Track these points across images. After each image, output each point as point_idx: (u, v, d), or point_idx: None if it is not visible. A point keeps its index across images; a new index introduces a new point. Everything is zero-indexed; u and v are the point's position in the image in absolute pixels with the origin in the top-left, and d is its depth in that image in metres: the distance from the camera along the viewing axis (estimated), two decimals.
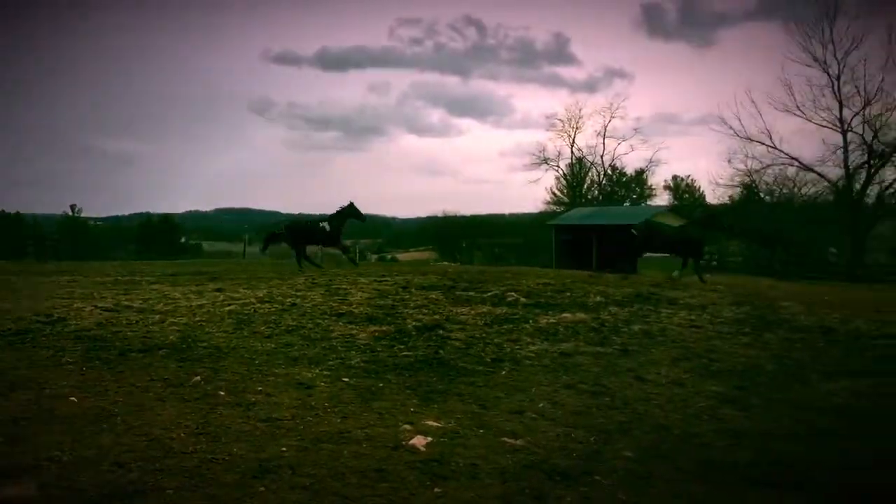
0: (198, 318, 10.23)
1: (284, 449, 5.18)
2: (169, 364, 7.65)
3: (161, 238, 66.08)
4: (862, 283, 26.55)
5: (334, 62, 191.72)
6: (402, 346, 8.99)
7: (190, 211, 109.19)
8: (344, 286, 14.09)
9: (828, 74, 41.16)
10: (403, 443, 5.46)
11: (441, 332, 9.88)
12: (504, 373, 8.05)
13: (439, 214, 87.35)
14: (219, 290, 13.62)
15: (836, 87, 41.11)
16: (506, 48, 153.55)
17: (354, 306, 11.57)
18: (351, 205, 21.91)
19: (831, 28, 40.62)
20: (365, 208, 22.89)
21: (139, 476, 4.56)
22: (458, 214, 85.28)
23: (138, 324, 9.76)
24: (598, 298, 13.51)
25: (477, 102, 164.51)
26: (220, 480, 4.57)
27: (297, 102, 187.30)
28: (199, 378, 7.04)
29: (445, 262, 45.78)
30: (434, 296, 13.13)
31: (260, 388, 6.81)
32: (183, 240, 75.37)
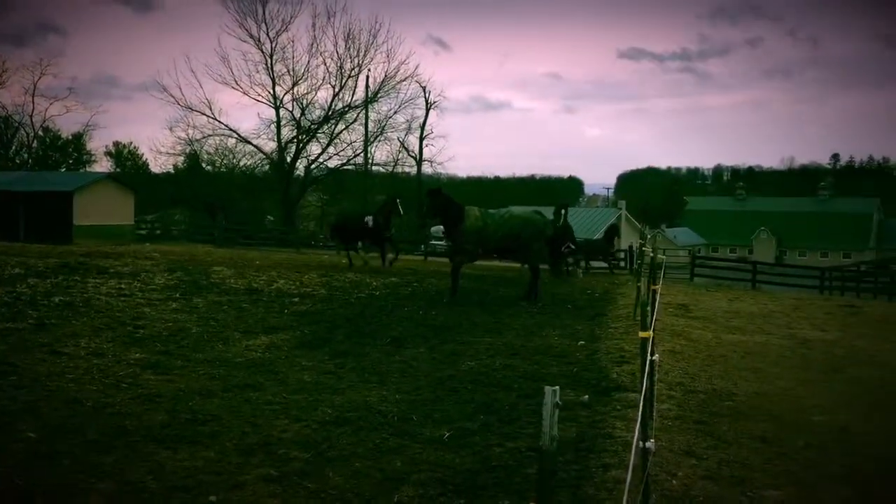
0: None
1: None
2: None
3: None
4: (292, 247, 29.07)
5: None
6: None
7: None
8: None
9: (262, 52, 43.48)
10: None
11: None
12: None
13: None
14: None
15: (269, 65, 43.72)
16: None
17: None
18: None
19: (264, 8, 42.93)
20: None
21: None
22: None
23: None
24: (17, 270, 12.26)
25: None
26: None
27: None
28: None
29: None
30: None
31: None
32: None
